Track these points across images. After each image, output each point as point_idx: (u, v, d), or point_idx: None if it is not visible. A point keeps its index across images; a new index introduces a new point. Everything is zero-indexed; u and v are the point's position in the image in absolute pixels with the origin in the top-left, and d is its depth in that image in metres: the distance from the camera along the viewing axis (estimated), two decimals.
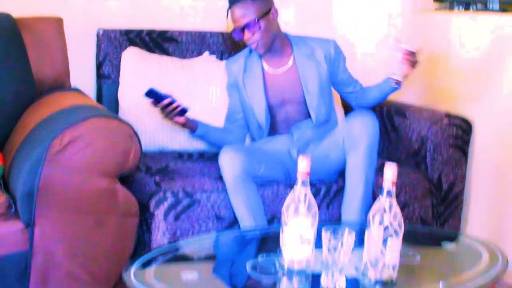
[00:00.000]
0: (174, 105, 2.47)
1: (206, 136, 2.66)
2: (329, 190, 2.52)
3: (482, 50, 2.75)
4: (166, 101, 2.46)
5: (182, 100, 2.55)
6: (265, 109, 2.60)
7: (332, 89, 2.72)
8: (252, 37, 2.50)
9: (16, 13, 2.57)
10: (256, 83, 2.61)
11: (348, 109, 3.09)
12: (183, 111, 2.51)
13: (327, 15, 3.39)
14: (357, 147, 2.37)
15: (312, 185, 2.42)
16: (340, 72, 2.66)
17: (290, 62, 2.61)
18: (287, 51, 2.62)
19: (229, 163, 2.32)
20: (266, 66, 2.62)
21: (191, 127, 2.62)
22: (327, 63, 2.61)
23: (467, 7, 2.94)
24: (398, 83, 2.55)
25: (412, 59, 2.47)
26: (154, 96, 2.45)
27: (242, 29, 2.49)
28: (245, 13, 2.47)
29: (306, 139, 2.59)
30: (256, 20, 2.46)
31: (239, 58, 2.69)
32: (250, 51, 2.66)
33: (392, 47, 2.49)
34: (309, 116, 2.62)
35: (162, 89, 2.50)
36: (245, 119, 2.70)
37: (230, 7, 2.50)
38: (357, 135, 2.37)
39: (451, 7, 3.01)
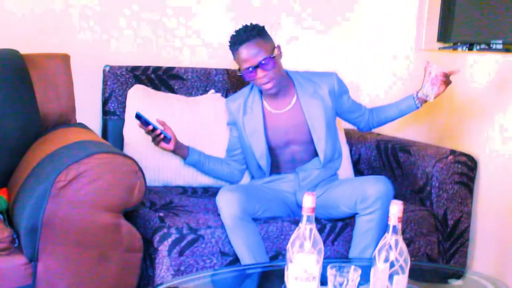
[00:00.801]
0: (157, 132, 2.47)
1: (199, 164, 2.63)
2: (334, 226, 2.51)
3: (486, 89, 2.77)
4: (148, 128, 2.46)
5: (185, 137, 2.55)
6: (266, 151, 2.56)
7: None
8: (265, 76, 2.43)
9: (23, 50, 2.60)
10: (257, 125, 2.56)
11: (352, 134, 3.09)
12: (166, 139, 2.51)
13: (329, 56, 3.42)
14: (371, 216, 2.33)
15: (317, 221, 2.43)
16: (344, 103, 2.62)
17: (293, 102, 2.56)
18: (290, 91, 2.56)
19: (227, 203, 2.30)
20: (267, 107, 2.56)
21: (183, 154, 2.59)
22: (332, 99, 2.56)
23: (470, 47, 2.97)
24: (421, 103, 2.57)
25: (447, 80, 2.48)
26: (142, 120, 2.46)
27: (255, 68, 2.42)
28: (258, 51, 2.41)
29: (313, 179, 2.57)
30: (270, 58, 2.41)
31: (239, 98, 2.62)
32: (250, 91, 2.61)
33: (424, 69, 2.50)
34: (316, 154, 2.59)
35: (154, 119, 2.50)
36: (244, 156, 2.67)
37: (238, 46, 2.42)
38: (372, 203, 2.32)
39: (455, 47, 3.04)
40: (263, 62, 2.41)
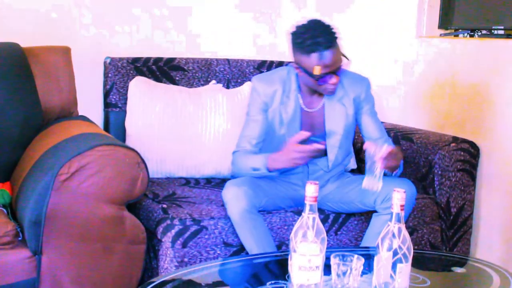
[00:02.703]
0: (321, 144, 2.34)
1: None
2: (337, 217, 2.51)
3: (487, 75, 2.76)
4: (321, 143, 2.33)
5: (187, 128, 2.50)
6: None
7: None
8: (338, 82, 2.36)
9: (24, 43, 2.59)
10: (295, 118, 2.48)
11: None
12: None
13: None
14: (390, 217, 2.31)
15: (320, 211, 2.43)
16: (363, 111, 2.53)
17: (321, 104, 2.50)
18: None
19: (234, 198, 2.28)
20: (300, 101, 2.49)
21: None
22: (354, 105, 2.51)
23: (472, 34, 2.96)
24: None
25: (391, 163, 2.26)
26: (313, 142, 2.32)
27: (332, 74, 2.32)
28: (338, 58, 2.32)
29: (323, 173, 2.54)
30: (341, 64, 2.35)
31: (275, 83, 2.48)
32: (287, 78, 2.47)
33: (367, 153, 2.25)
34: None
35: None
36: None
37: (323, 50, 2.28)
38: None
39: (456, 34, 3.03)
40: (340, 68, 2.35)
